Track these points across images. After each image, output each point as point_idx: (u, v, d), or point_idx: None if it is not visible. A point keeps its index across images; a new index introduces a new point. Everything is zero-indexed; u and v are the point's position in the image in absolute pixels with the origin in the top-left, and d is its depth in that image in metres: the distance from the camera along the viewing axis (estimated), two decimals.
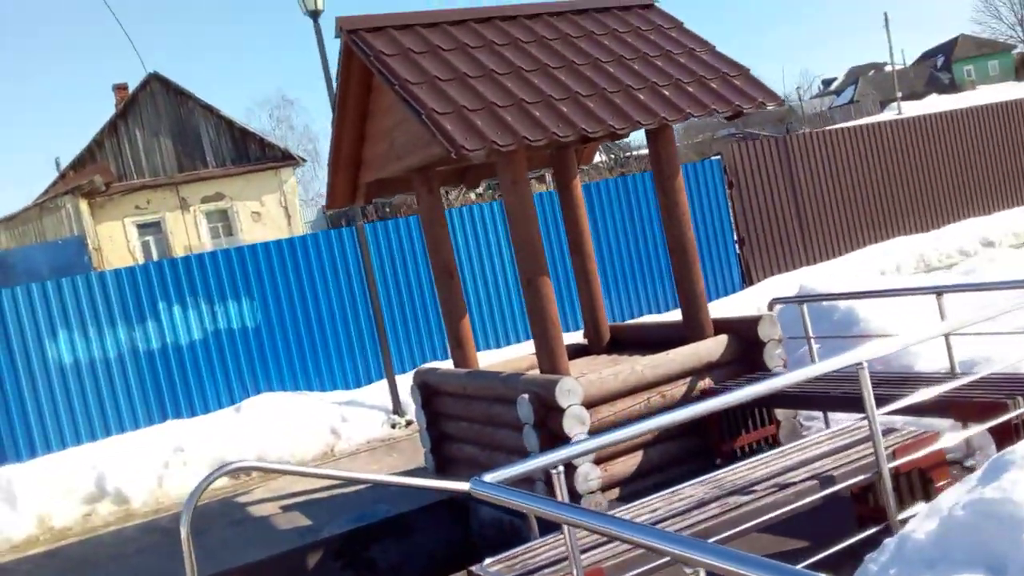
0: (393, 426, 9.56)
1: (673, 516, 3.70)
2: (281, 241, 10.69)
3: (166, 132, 25.58)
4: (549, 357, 5.72)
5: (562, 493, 3.14)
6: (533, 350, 9.25)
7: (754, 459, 4.47)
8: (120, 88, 27.18)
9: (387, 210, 27.17)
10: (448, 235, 7.01)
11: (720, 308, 11.95)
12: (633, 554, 3.27)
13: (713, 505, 3.68)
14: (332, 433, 9.36)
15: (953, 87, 59.91)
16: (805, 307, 6.07)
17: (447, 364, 10.49)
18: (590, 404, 5.47)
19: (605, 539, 3.41)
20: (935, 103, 37.70)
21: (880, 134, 15.40)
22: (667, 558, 3.25)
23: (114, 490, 8.54)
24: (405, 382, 9.97)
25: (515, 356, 8.58)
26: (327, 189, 7.28)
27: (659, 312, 12.55)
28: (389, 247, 11.06)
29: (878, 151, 15.27)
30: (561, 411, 5.31)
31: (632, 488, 5.61)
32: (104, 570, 6.47)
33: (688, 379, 5.93)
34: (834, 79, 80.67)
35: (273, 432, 9.15)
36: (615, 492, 5.57)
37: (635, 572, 3.23)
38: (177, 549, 6.48)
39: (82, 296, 9.52)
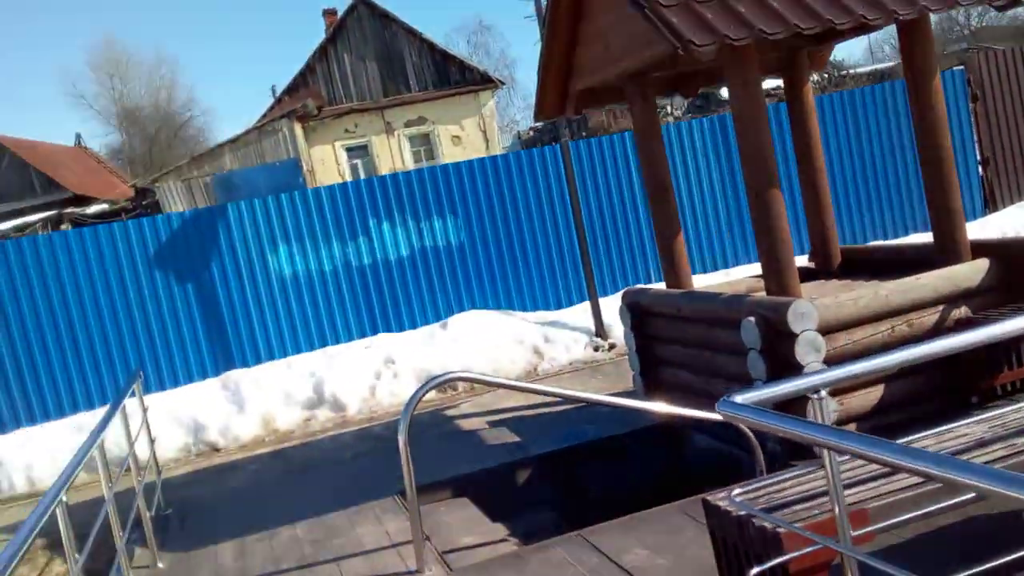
0: (596, 349, 9.36)
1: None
2: (484, 159, 10.60)
3: (372, 56, 26.30)
4: (778, 278, 5.22)
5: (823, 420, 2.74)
6: (747, 275, 8.71)
7: None
8: (329, 13, 28.17)
9: (583, 134, 26.74)
10: (663, 149, 6.56)
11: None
12: (904, 495, 2.84)
13: (998, 446, 3.14)
14: (535, 352, 9.29)
15: None
16: None
17: (655, 287, 10.21)
18: (825, 331, 4.94)
19: (868, 476, 2.99)
20: None
21: None
22: (946, 503, 2.81)
23: (331, 397, 8.92)
24: (608, 305, 9.75)
25: (730, 280, 8.08)
26: (536, 100, 6.99)
27: (887, 238, 11.50)
28: (592, 166, 10.71)
29: None
30: (793, 336, 4.83)
31: (870, 424, 5.07)
32: (326, 472, 6.75)
33: (940, 307, 5.24)
34: None
35: (478, 349, 9.20)
36: (851, 427, 5.05)
37: (905, 516, 2.80)
38: (391, 456, 6.63)
39: (300, 212, 9.88)
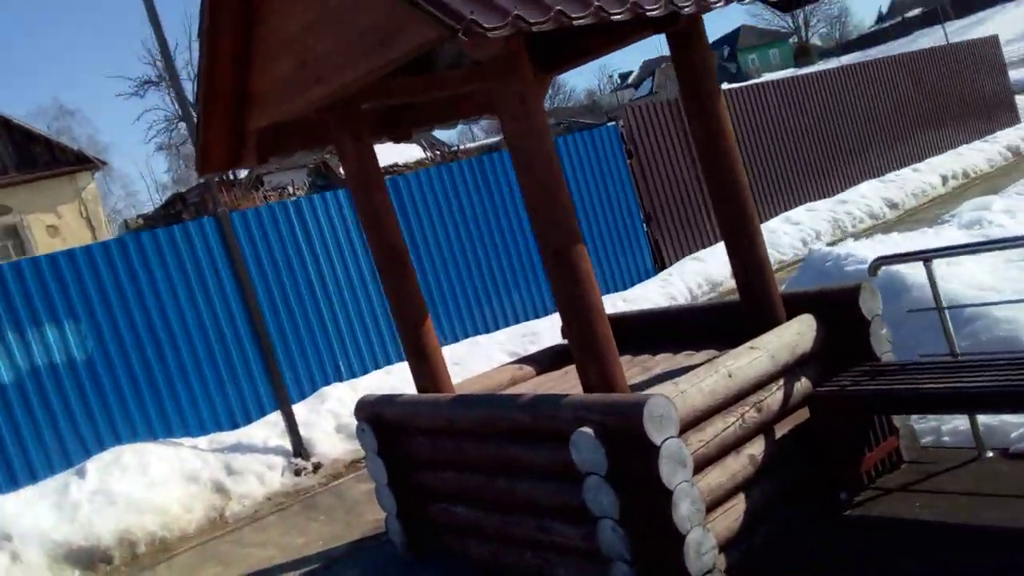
0: (298, 472, 7.30)
1: None
2: (109, 242, 8.06)
3: None
4: (598, 364, 3.79)
5: None
6: (494, 366, 7.26)
7: None
8: None
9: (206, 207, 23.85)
10: (390, 201, 4.90)
11: (637, 298, 10.41)
12: None
13: None
14: (218, 491, 6.99)
15: (740, 76, 62.59)
16: (928, 266, 4.44)
17: (365, 384, 8.37)
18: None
19: None
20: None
21: (774, 91, 14.43)
22: None
23: None
24: (302, 413, 7.77)
25: (466, 377, 6.59)
26: (198, 147, 4.93)
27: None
28: (264, 234, 8.68)
29: (778, 109, 14.31)
30: (654, 449, 3.41)
31: (742, 548, 3.80)
32: None
33: (781, 382, 4.18)
34: (630, 72, 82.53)
35: (135, 501, 6.67)
36: (721, 560, 3.72)
37: None
38: None
39: None
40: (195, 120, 4.92)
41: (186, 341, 7.99)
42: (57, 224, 22.87)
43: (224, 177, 25.10)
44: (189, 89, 21.30)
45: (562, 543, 3.99)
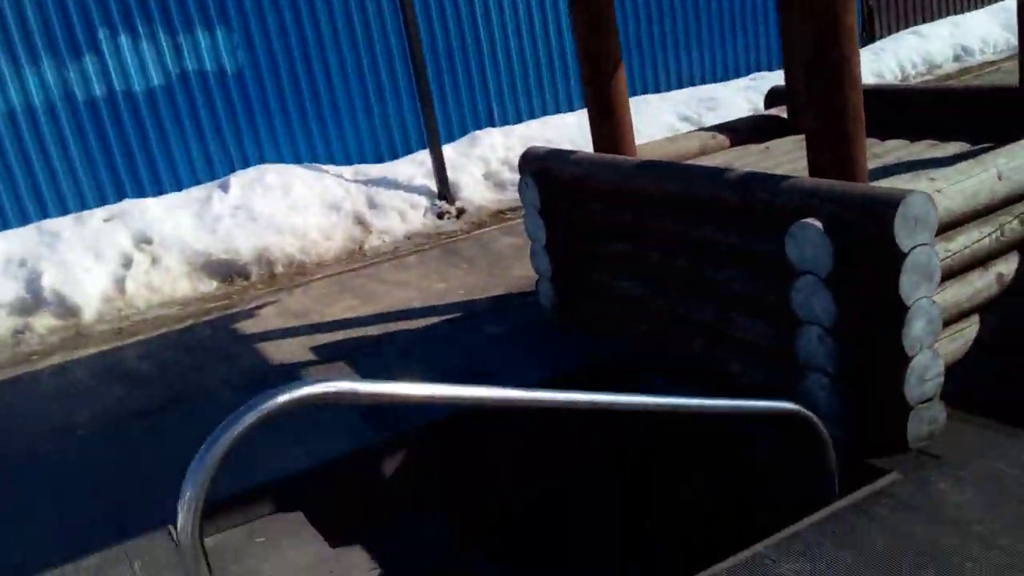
0: (440, 216, 6.98)
1: None
2: None
3: None
4: (839, 142, 3.07)
5: None
6: (666, 131, 6.52)
7: None
8: None
9: None
10: None
11: None
12: None
13: None
14: (358, 223, 6.77)
15: None
16: None
17: (520, 132, 7.81)
18: None
19: None
20: None
21: None
22: None
23: (54, 296, 6.01)
24: (452, 155, 7.34)
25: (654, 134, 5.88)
26: None
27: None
28: None
29: None
30: (899, 257, 2.76)
31: (963, 377, 3.22)
32: (31, 473, 3.98)
33: None
34: None
35: (277, 221, 6.53)
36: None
37: None
38: (166, 418, 4.11)
39: None
40: None
41: (336, 55, 7.49)
42: None
43: None
44: None
45: (744, 339, 3.50)
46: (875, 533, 2.60)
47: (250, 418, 1.61)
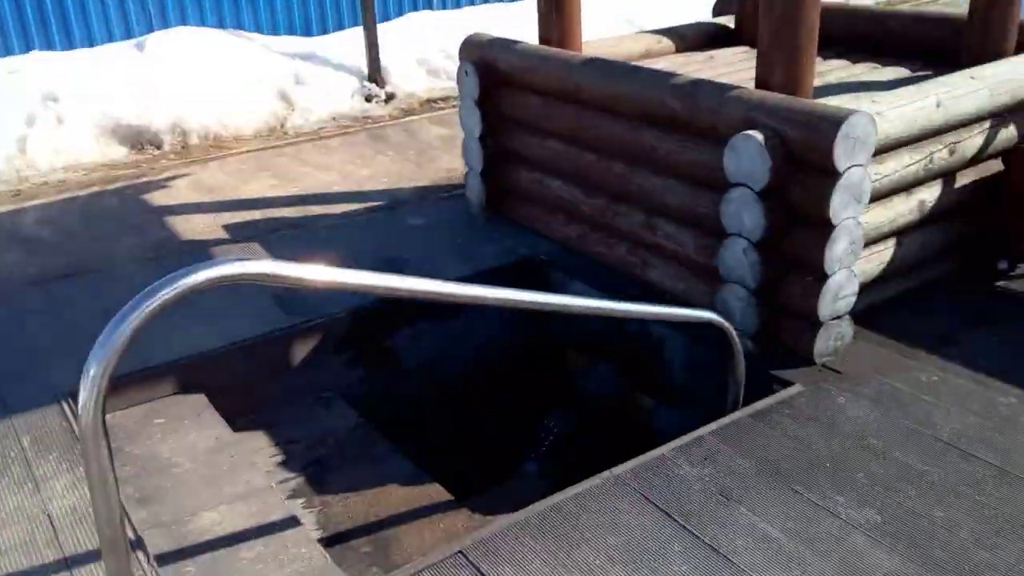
0: (368, 99, 6.72)
1: None
2: None
3: None
4: (789, 57, 3.00)
5: None
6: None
7: None
8: None
9: None
10: None
11: None
12: None
13: None
14: (282, 99, 6.46)
15: None
16: None
17: (459, 18, 7.49)
18: None
19: None
20: None
21: None
22: None
23: None
24: (385, 36, 7.02)
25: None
26: None
27: None
28: None
29: None
30: (832, 176, 2.75)
31: (872, 297, 3.30)
32: None
33: (987, 124, 3.40)
34: None
35: (195, 88, 6.18)
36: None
37: None
38: (66, 288, 3.91)
39: None
40: None
41: None
42: None
43: None
44: None
45: (668, 248, 3.50)
46: (775, 441, 2.66)
47: (166, 294, 1.51)
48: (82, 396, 1.54)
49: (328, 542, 2.69)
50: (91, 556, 2.33)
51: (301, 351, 3.52)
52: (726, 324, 2.83)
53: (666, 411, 3.54)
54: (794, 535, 2.26)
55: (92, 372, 1.53)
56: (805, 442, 2.66)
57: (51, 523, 2.44)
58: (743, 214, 2.97)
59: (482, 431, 3.97)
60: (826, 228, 2.84)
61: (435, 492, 2.97)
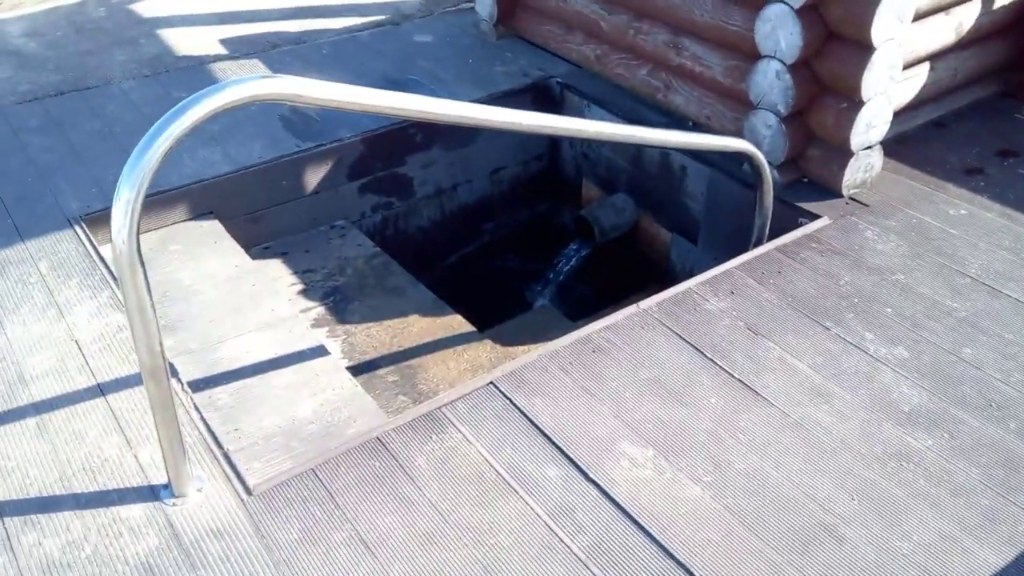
0: None
1: None
2: None
3: None
4: None
5: None
6: None
7: None
8: None
9: None
10: None
11: None
12: None
13: None
14: None
15: None
16: None
17: None
18: None
19: None
20: None
21: None
22: None
23: None
24: None
25: None
26: None
27: None
28: None
29: None
30: None
31: (899, 128, 3.20)
32: None
33: None
34: None
35: None
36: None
37: None
38: (52, 108, 3.76)
39: None
40: None
41: None
42: None
43: None
44: None
45: (694, 71, 3.34)
46: (801, 276, 2.65)
47: (196, 112, 1.42)
48: (115, 221, 1.49)
49: (354, 371, 2.72)
50: (122, 383, 2.35)
51: (314, 177, 3.43)
52: (759, 153, 2.75)
53: (684, 244, 3.51)
54: (823, 370, 2.29)
55: (124, 196, 1.47)
56: (832, 276, 2.65)
57: (80, 350, 2.45)
58: (780, 33, 2.81)
59: (496, 263, 3.96)
60: (866, 50, 2.70)
61: (456, 323, 2.98)
